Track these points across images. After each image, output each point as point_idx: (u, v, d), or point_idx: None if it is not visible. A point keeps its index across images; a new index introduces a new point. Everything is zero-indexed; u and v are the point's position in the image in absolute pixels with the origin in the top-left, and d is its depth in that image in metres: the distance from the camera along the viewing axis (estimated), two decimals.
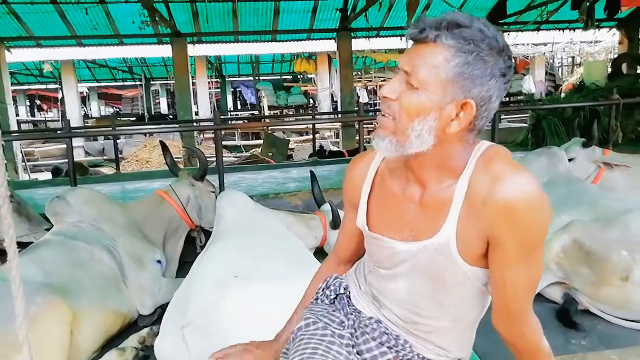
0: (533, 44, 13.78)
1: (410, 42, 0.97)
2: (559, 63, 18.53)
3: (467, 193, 0.98)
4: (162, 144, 3.81)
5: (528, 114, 8.38)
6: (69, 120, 4.42)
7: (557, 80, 16.77)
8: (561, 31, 11.16)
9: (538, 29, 10.76)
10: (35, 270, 2.22)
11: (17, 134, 8.46)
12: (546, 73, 16.13)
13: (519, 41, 12.50)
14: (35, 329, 1.85)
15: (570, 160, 3.79)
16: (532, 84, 14.89)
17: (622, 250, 2.43)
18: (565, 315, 2.44)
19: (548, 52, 15.04)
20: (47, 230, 2.88)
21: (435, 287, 1.06)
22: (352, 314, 1.20)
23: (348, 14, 9.47)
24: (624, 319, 2.42)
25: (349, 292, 1.24)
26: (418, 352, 1.13)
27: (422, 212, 1.05)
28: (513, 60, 0.97)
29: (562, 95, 10.17)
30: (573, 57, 17.77)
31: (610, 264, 2.43)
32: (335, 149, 10.01)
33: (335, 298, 1.25)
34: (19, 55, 9.42)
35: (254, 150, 10.62)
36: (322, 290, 1.27)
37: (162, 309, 2.68)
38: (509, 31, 10.64)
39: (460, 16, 0.92)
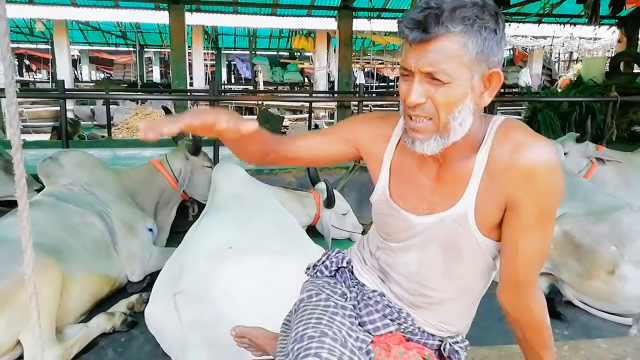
0: (533, 37, 13.75)
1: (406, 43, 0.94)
2: (556, 58, 18.54)
3: (487, 164, 1.00)
4: (166, 109, 3.76)
5: (523, 106, 8.42)
6: (62, 81, 4.31)
7: (554, 75, 16.80)
8: (562, 25, 11.13)
9: (539, 22, 10.72)
10: None
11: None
12: (543, 67, 16.14)
13: (520, 33, 12.47)
14: (23, 290, 1.83)
15: (565, 154, 3.83)
16: (529, 76, 14.90)
17: (611, 245, 2.47)
18: (550, 306, 2.49)
19: (547, 45, 15.01)
20: (38, 191, 2.83)
21: (447, 258, 1.08)
22: (354, 287, 1.21)
23: None
24: (606, 312, 2.49)
25: (352, 266, 1.25)
26: (419, 326, 1.15)
27: (439, 187, 1.06)
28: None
29: (559, 90, 10.21)
30: (571, 53, 17.78)
31: (599, 258, 2.48)
32: None
33: (337, 271, 1.25)
34: (10, 11, 9.08)
35: None
36: (322, 263, 1.27)
37: (151, 276, 2.68)
38: (511, 22, 10.59)
39: None
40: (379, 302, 1.15)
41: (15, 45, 18.03)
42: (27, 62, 22.20)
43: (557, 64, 18.28)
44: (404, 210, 1.10)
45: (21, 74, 21.48)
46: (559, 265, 2.62)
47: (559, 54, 18.34)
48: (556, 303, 2.55)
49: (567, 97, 6.48)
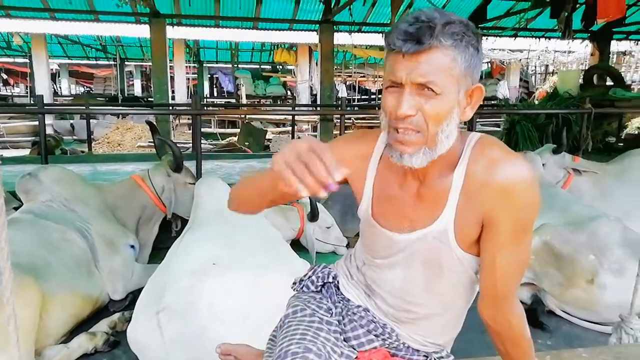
0: (510, 50, 14.09)
1: (396, 55, 0.95)
2: (532, 70, 19.01)
3: (464, 181, 1.02)
4: (151, 124, 3.72)
5: (502, 118, 8.59)
6: (41, 96, 4.24)
7: (531, 87, 17.20)
8: (537, 39, 11.44)
9: (515, 36, 11.00)
10: None
11: None
12: (520, 79, 16.52)
13: (497, 46, 12.77)
14: (2, 311, 1.78)
15: (542, 165, 3.90)
16: (507, 89, 15.23)
17: (590, 254, 2.53)
18: (533, 316, 2.53)
19: (523, 59, 15.40)
20: (15, 209, 2.77)
21: (429, 274, 1.09)
22: (340, 302, 1.21)
23: (332, 6, 9.43)
24: (587, 321, 2.53)
25: (337, 281, 1.25)
26: (404, 341, 1.15)
27: (419, 204, 1.08)
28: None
29: (536, 102, 10.45)
30: (547, 66, 18.27)
31: (578, 267, 2.53)
32: None
33: (323, 286, 1.25)
34: None
35: (230, 138, 10.49)
36: (308, 278, 1.27)
37: (133, 294, 2.63)
38: (488, 35, 10.85)
39: (437, 13, 0.93)
40: (364, 318, 1.16)
41: None
42: (5, 77, 21.81)
43: (533, 77, 18.74)
44: (386, 229, 1.11)
45: None
46: (540, 275, 2.67)
47: (535, 67, 18.81)
48: (539, 313, 2.59)
49: (544, 110, 6.65)
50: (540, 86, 16.82)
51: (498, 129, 8.78)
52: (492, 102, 12.90)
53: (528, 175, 0.99)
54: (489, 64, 16.71)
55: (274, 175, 0.88)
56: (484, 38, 10.46)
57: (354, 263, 1.25)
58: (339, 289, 1.24)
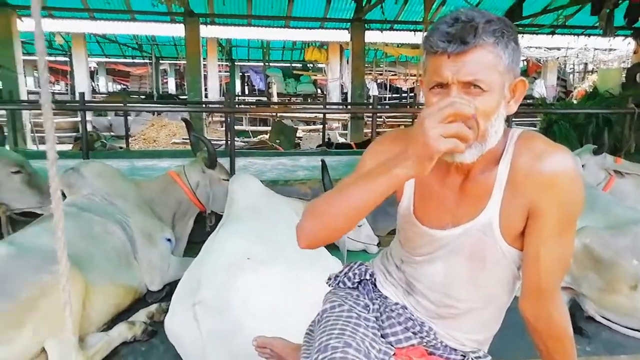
0: (547, 48, 13.69)
1: (437, 55, 0.96)
2: (570, 69, 18.41)
3: (509, 174, 1.04)
4: (187, 122, 3.80)
5: (538, 118, 8.36)
6: (83, 93, 4.39)
7: (569, 86, 16.68)
8: (576, 37, 11.08)
9: (553, 33, 10.69)
10: (48, 239, 2.23)
11: (30, 104, 8.45)
12: (558, 78, 16.05)
13: (533, 44, 12.44)
14: (49, 298, 1.86)
15: (582, 166, 3.78)
16: (543, 88, 14.83)
17: (633, 259, 2.43)
18: (571, 321, 2.45)
19: (561, 57, 14.93)
20: None
21: (472, 268, 1.09)
22: (377, 299, 1.22)
23: (363, 4, 9.39)
24: (629, 328, 2.44)
25: (375, 278, 1.26)
26: (442, 340, 1.15)
27: (463, 199, 1.09)
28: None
29: (574, 101, 10.13)
30: (586, 64, 17.65)
31: (620, 272, 2.44)
32: (343, 140, 9.99)
33: (359, 283, 1.26)
34: (30, 24, 9.32)
35: (261, 136, 10.61)
36: (345, 274, 1.28)
37: (170, 286, 2.70)
38: (524, 33, 10.57)
39: (475, 12, 0.96)
40: (402, 315, 1.17)
41: (34, 57, 18.43)
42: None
43: (571, 75, 18.15)
44: (427, 227, 1.11)
45: (40, 86, 21.94)
46: (579, 279, 2.59)
47: (574, 65, 18.21)
48: (577, 318, 2.52)
49: (584, 109, 6.43)
50: (578, 85, 16.27)
51: (534, 128, 8.54)
52: (528, 101, 12.57)
53: (573, 167, 1.00)
54: (525, 62, 16.27)
55: (397, 172, 0.91)
56: (519, 36, 10.20)
57: (391, 261, 1.25)
58: (375, 286, 1.25)
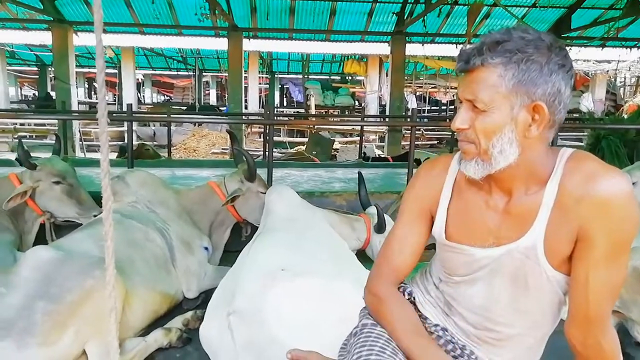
0: (596, 61, 13.18)
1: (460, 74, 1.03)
2: (621, 82, 17.63)
3: (557, 195, 1.00)
4: (231, 134, 3.89)
5: (585, 133, 8.04)
6: (130, 105, 4.59)
7: (619, 100, 15.96)
8: (629, 49, 10.62)
9: (603, 46, 10.30)
10: (92, 245, 2.33)
11: (81, 114, 8.88)
12: (607, 92, 15.40)
13: (581, 57, 12.01)
14: (91, 302, 1.93)
15: (632, 184, 3.60)
16: (591, 102, 14.26)
17: None
18: None
19: (611, 70, 14.33)
20: (96, 216, 2.97)
21: (514, 291, 1.06)
22: None
23: (405, 17, 9.38)
24: None
25: (414, 297, 1.23)
26: None
27: (507, 219, 1.06)
28: (566, 50, 1.00)
29: (625, 116, 9.68)
30: (638, 77, 16.87)
31: None
32: (380, 153, 9.94)
33: None
34: (84, 39, 9.86)
35: (298, 147, 10.72)
36: None
37: (205, 294, 2.75)
38: (572, 46, 10.24)
39: (498, 34, 0.97)
40: (442, 337, 1.14)
41: (86, 70, 19.45)
42: (95, 85, 23.80)
43: (622, 89, 17.38)
44: (467, 246, 1.09)
45: (90, 96, 23.05)
46: (628, 303, 2.45)
47: (625, 79, 17.44)
48: (625, 344, 2.38)
49: (635, 124, 6.13)
50: (630, 99, 15.56)
51: (580, 143, 8.22)
52: (574, 115, 12.12)
53: (627, 190, 0.95)
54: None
55: None
56: (567, 49, 9.87)
57: (430, 280, 1.23)
58: (415, 305, 1.22)
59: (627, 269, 1.01)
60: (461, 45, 9.69)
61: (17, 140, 3.65)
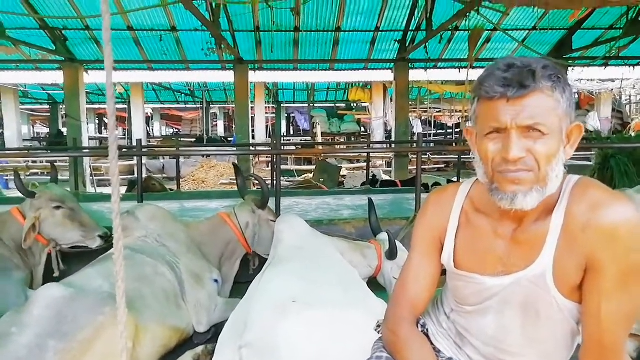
0: (599, 80, 13.23)
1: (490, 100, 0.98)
2: (626, 100, 17.63)
3: (564, 223, 0.99)
4: (236, 167, 3.94)
5: (593, 152, 8.00)
6: (140, 140, 4.68)
7: (625, 118, 15.92)
8: (632, 67, 10.66)
9: (606, 65, 10.35)
10: (102, 281, 2.33)
11: (92, 150, 9.03)
12: (613, 110, 15.38)
13: (584, 76, 12.07)
14: (101, 339, 1.92)
15: None
16: (597, 120, 14.24)
17: None
18: None
19: (616, 88, 14.36)
20: (100, 237, 3.07)
21: (526, 321, 1.04)
22: None
23: (407, 45, 9.54)
24: None
25: (427, 329, 1.22)
26: None
27: (515, 247, 1.05)
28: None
29: (632, 134, 9.64)
30: None
31: None
32: (388, 177, 9.94)
33: None
34: (95, 76, 10.13)
35: (306, 175, 10.76)
36: None
37: (216, 327, 2.72)
38: (574, 66, 10.30)
39: (532, 60, 0.97)
40: None
41: (96, 106, 19.89)
42: (105, 121, 24.29)
43: (628, 107, 17.36)
44: (476, 274, 1.08)
45: (100, 132, 23.48)
46: None
47: (630, 96, 17.44)
48: None
49: None
50: (636, 117, 15.52)
51: (589, 162, 8.16)
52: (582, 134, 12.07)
53: (635, 217, 0.94)
54: (577, 94, 15.78)
55: None
56: (570, 69, 9.94)
57: (441, 310, 1.21)
58: (428, 336, 1.21)
59: None
60: (464, 70, 9.81)
61: (14, 173, 3.71)
